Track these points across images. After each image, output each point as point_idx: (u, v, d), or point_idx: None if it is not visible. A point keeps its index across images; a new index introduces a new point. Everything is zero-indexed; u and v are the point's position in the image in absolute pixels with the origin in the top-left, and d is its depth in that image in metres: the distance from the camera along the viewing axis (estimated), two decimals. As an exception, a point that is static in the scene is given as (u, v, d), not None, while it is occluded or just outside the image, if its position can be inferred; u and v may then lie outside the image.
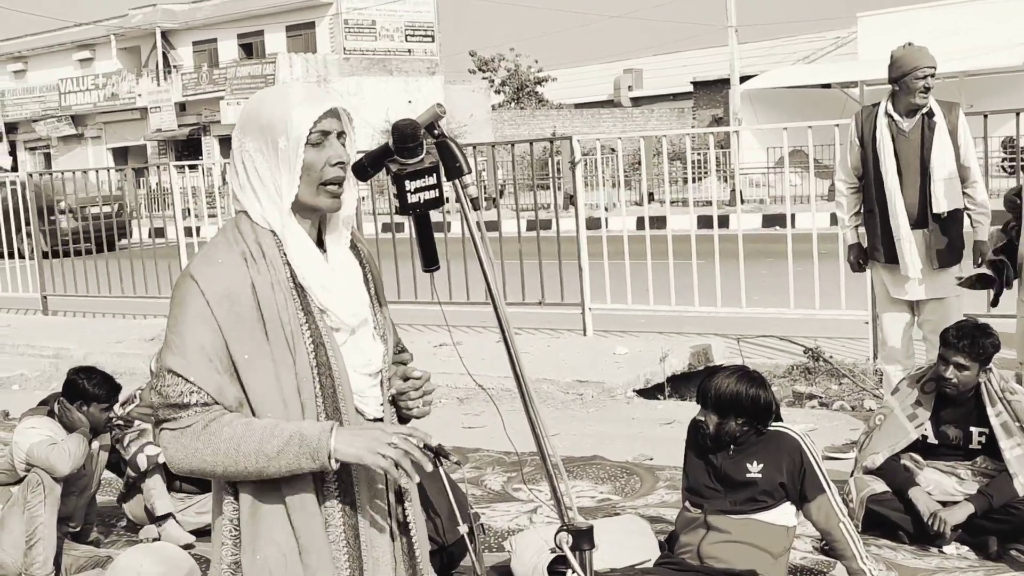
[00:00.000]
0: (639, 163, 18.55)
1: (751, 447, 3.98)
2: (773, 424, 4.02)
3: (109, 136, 41.73)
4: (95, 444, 4.85)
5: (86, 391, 4.71)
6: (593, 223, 10.63)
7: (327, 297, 2.15)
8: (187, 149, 38.16)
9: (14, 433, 4.82)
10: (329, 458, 2.06)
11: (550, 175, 13.78)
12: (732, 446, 3.99)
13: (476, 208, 2.11)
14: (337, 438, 2.06)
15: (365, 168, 2.14)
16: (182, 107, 38.64)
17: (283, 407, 2.11)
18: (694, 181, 20.20)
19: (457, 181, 2.10)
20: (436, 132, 2.09)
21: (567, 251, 9.07)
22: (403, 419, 2.34)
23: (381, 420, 2.26)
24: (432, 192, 2.08)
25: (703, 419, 3.98)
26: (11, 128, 41.48)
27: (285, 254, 2.14)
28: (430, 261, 2.14)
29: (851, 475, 4.81)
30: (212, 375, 2.08)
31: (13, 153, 41.12)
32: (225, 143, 37.29)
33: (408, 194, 2.07)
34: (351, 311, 2.18)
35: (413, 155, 2.07)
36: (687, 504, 4.13)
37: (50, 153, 43.51)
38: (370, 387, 2.24)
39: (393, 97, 37.08)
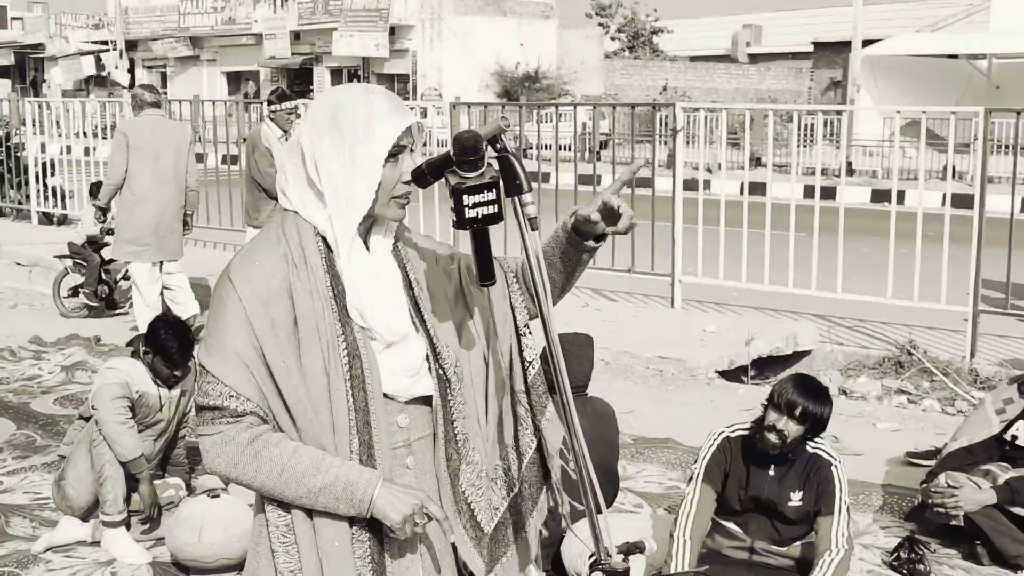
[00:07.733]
0: (744, 122, 18.09)
1: (791, 470, 3.92)
2: (813, 443, 3.92)
3: (224, 60, 42.28)
4: (175, 391, 4.93)
5: (158, 342, 4.80)
6: (690, 184, 10.36)
7: (371, 315, 2.09)
8: (299, 78, 38.48)
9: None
10: (367, 513, 2.06)
11: (654, 132, 13.50)
12: (773, 465, 3.91)
13: (534, 228, 2.02)
14: (379, 499, 2.05)
15: (425, 175, 2.06)
16: (296, 36, 38.90)
17: (315, 416, 2.07)
18: (804, 146, 19.65)
19: (516, 199, 2.01)
20: (499, 146, 2.00)
21: (661, 213, 8.81)
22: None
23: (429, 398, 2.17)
24: (491, 207, 1.99)
25: (782, 428, 3.84)
26: (131, 46, 42.17)
27: (328, 262, 2.09)
28: (486, 276, 2.06)
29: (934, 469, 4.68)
30: (249, 380, 2.06)
31: (132, 70, 41.89)
32: (336, 75, 37.49)
33: (466, 208, 1.98)
34: (391, 328, 2.12)
35: (474, 168, 1.98)
36: (729, 526, 4.03)
37: (166, 73, 44.26)
38: (412, 376, 2.14)
39: (505, 39, 36.85)
